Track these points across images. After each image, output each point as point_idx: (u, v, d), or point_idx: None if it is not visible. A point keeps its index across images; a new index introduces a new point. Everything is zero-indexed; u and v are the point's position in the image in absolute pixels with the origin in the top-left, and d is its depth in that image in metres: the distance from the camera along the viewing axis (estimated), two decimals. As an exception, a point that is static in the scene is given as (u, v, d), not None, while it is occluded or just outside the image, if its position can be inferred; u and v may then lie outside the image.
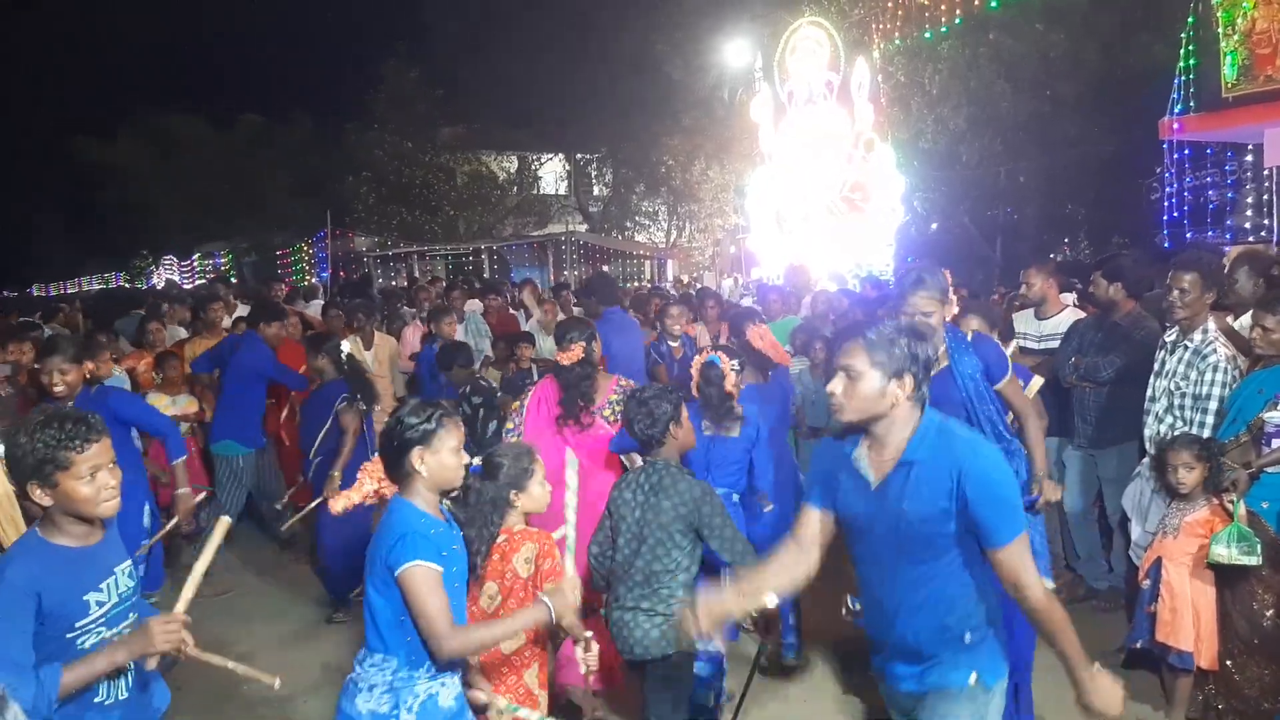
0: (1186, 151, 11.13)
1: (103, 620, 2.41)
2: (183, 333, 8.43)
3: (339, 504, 2.80)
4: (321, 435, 5.58)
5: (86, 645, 2.36)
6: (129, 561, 2.54)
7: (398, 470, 2.63)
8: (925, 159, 17.46)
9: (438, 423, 2.60)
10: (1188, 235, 11.58)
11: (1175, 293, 4.32)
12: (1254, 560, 3.65)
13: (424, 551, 2.51)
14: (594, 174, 28.57)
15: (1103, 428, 5.05)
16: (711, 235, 24.30)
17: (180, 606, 2.43)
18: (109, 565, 2.45)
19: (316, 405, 5.71)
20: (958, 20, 15.61)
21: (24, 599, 2.24)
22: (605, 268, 22.92)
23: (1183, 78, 10.28)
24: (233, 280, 19.27)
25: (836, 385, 2.42)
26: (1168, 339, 4.56)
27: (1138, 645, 4.09)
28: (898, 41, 17.06)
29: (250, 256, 30.75)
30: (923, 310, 3.61)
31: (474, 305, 9.39)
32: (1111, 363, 4.94)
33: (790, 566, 2.61)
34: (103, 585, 2.41)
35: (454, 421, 2.68)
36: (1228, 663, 3.82)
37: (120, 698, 2.47)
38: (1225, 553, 3.67)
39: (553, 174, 29.74)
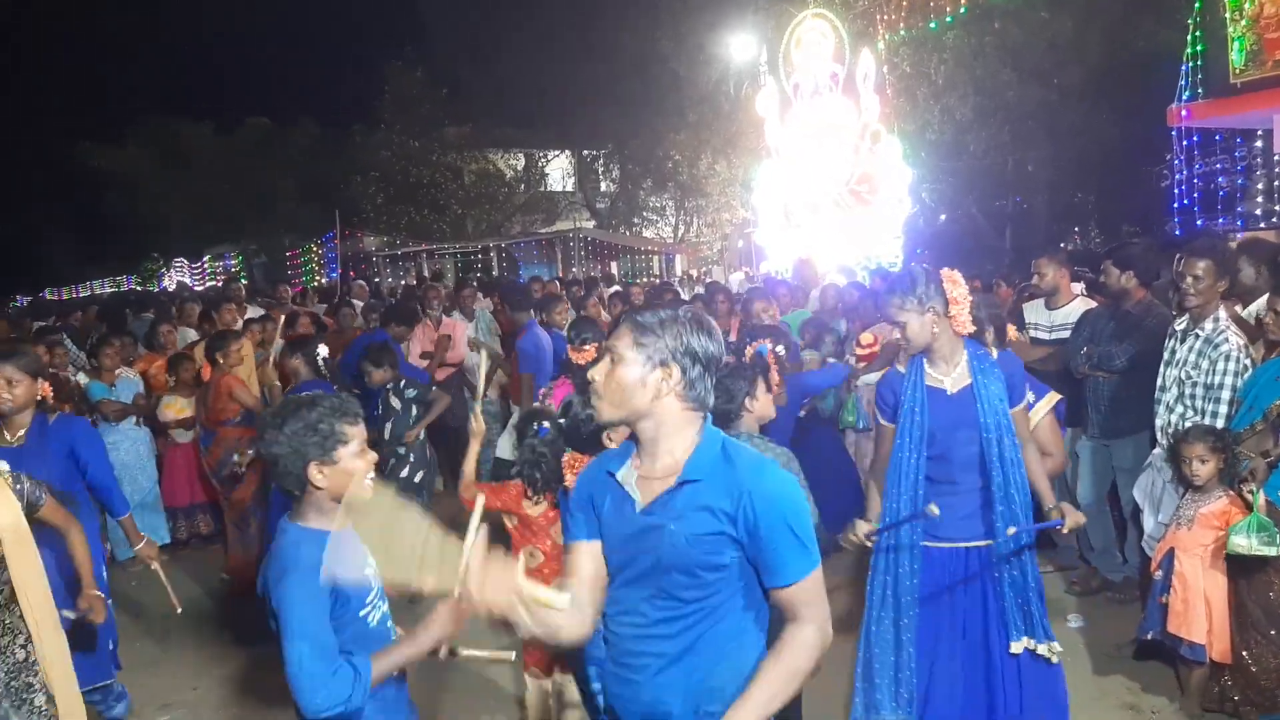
0: (1195, 138, 11.06)
1: (379, 594, 2.46)
2: (193, 335, 8.48)
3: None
4: None
5: (373, 621, 2.42)
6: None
7: (592, 452, 3.04)
8: (932, 150, 17.41)
9: None
10: (1198, 222, 11.53)
11: (1188, 280, 4.26)
12: (1274, 550, 3.62)
13: None
14: (601, 170, 28.57)
15: (1116, 417, 5.03)
16: (719, 230, 24.27)
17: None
18: (360, 547, 2.44)
19: None
20: (962, 10, 15.53)
21: (324, 584, 2.29)
22: (614, 263, 22.94)
23: (1190, 64, 10.22)
24: (244, 282, 19.35)
25: (598, 371, 2.08)
26: (1178, 327, 4.50)
27: (1149, 636, 4.09)
28: (903, 32, 16.99)
29: (260, 258, 30.87)
30: (895, 320, 3.31)
31: (484, 303, 9.42)
32: (1125, 351, 4.92)
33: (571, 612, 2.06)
34: (368, 560, 2.41)
35: None
36: (1244, 653, 3.81)
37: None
38: (1245, 543, 3.63)
39: (559, 171, 29.77)
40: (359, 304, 9.53)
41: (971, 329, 3.29)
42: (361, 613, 2.39)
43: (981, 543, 3.32)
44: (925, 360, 3.39)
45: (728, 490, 1.99)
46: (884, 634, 3.42)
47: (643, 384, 2.02)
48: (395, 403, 5.71)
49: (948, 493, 3.32)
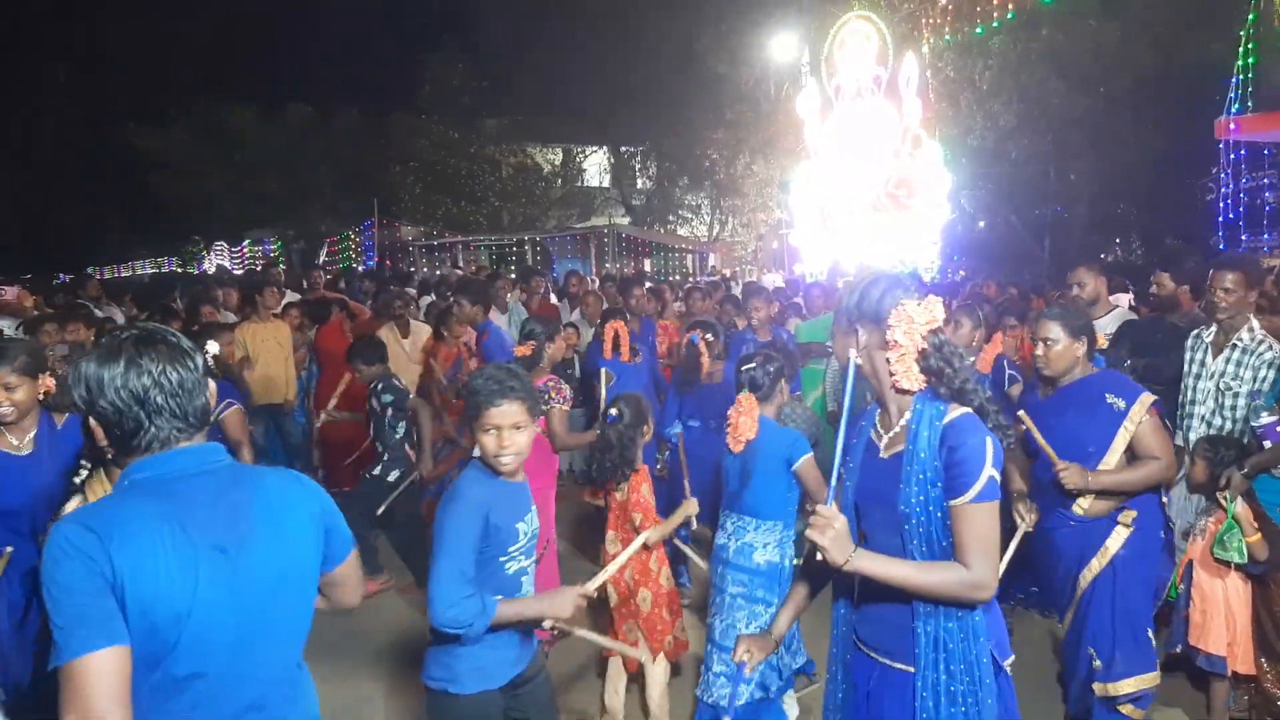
0: (1242, 152, 10.91)
1: (523, 549, 2.75)
2: (232, 318, 8.60)
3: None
4: None
5: (511, 570, 2.71)
6: (535, 509, 2.85)
7: (769, 399, 3.84)
8: (973, 156, 17.26)
9: (780, 365, 3.91)
10: (1243, 238, 11.35)
11: (1219, 292, 4.35)
12: (1236, 557, 3.73)
13: (809, 447, 3.72)
14: (638, 167, 28.61)
15: None
16: (754, 230, 24.22)
17: (590, 586, 2.81)
18: (526, 503, 2.80)
19: None
20: (1010, 15, 15.40)
21: (477, 516, 2.61)
22: (647, 261, 22.98)
23: (1240, 76, 10.09)
24: (282, 267, 19.61)
25: None
26: (1206, 338, 4.57)
27: (1177, 650, 4.07)
28: (948, 37, 16.87)
29: (298, 244, 31.22)
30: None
31: (518, 295, 9.47)
32: (1173, 362, 4.89)
33: None
34: (525, 517, 2.76)
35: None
36: (1263, 666, 3.81)
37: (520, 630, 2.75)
38: (1222, 552, 3.78)
39: (596, 166, 29.84)
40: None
41: (916, 386, 2.22)
42: (501, 558, 2.67)
43: (892, 663, 2.31)
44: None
45: None
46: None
47: None
48: (374, 404, 5.58)
49: (872, 582, 2.28)
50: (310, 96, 32.16)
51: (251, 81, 34.30)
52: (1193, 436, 4.54)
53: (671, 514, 3.91)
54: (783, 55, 19.25)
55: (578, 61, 23.70)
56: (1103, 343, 3.77)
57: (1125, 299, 7.11)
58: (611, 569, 3.13)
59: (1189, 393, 4.60)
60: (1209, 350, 4.52)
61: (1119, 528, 3.49)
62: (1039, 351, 3.62)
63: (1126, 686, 3.48)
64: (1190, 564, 4.00)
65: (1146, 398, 3.47)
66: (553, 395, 4.52)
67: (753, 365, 3.87)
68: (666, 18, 22.22)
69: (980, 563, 2.13)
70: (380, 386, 5.58)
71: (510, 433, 2.65)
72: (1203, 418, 4.51)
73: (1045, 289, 9.91)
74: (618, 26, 23.20)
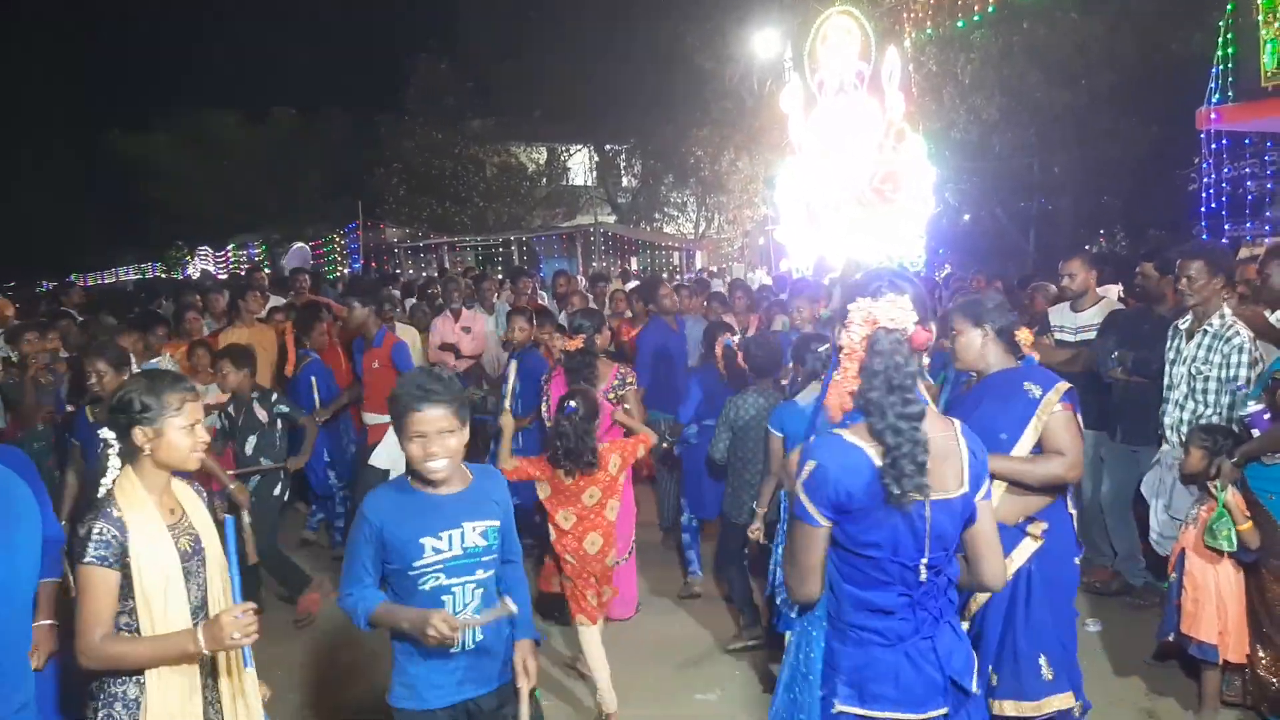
0: (1224, 142, 10.95)
1: (440, 567, 2.62)
2: (214, 324, 8.53)
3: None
4: None
5: (427, 587, 2.62)
6: (489, 521, 2.70)
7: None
8: (957, 150, 17.29)
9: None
10: (1226, 227, 11.41)
11: (1184, 281, 4.46)
12: (1227, 546, 3.77)
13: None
14: (623, 165, 28.54)
15: (1147, 422, 4.99)
16: (740, 226, 24.20)
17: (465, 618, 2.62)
18: (458, 517, 2.66)
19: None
20: (990, 9, 15.42)
21: (367, 529, 2.61)
22: (634, 258, 22.95)
23: (1221, 66, 10.13)
24: (267, 271, 19.50)
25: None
26: (1181, 326, 4.64)
27: (1170, 638, 4.10)
28: (929, 31, 16.88)
29: (283, 247, 31.01)
30: None
31: (505, 296, 9.44)
32: (1160, 355, 4.91)
33: None
34: (443, 534, 2.63)
35: None
36: (1259, 652, 3.84)
37: (467, 645, 2.65)
38: (1211, 541, 3.83)
39: (581, 165, 29.77)
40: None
41: (838, 410, 2.25)
42: (411, 573, 2.61)
43: None
44: None
45: None
46: None
47: None
48: (261, 415, 5.40)
49: None
50: (295, 100, 31.99)
51: (235, 86, 34.04)
52: (1167, 421, 4.62)
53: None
54: (766, 51, 19.24)
55: (561, 60, 23.64)
56: (1027, 352, 3.52)
57: (1114, 290, 7.13)
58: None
59: (1166, 378, 4.66)
60: (1184, 336, 4.61)
61: (1027, 539, 3.22)
62: (949, 344, 3.46)
63: (1006, 709, 3.22)
64: (1183, 552, 4.02)
65: (1061, 386, 3.26)
66: (630, 380, 5.01)
67: (827, 346, 4.00)
68: (651, 15, 22.19)
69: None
70: (274, 397, 5.42)
71: (438, 438, 2.58)
72: (1176, 402, 4.60)
73: (1032, 279, 9.94)
74: (601, 24, 23.16)
